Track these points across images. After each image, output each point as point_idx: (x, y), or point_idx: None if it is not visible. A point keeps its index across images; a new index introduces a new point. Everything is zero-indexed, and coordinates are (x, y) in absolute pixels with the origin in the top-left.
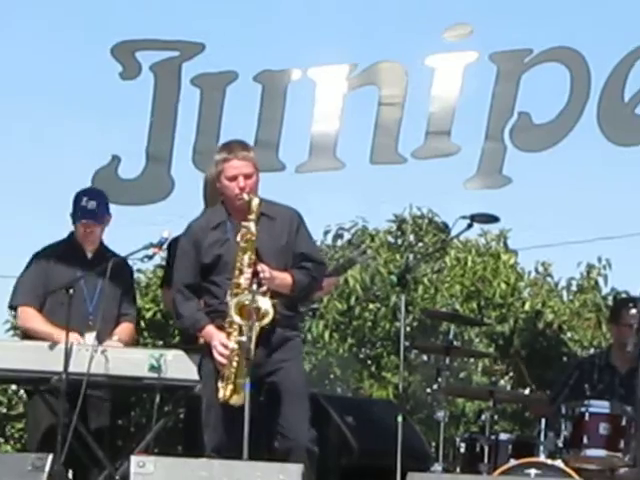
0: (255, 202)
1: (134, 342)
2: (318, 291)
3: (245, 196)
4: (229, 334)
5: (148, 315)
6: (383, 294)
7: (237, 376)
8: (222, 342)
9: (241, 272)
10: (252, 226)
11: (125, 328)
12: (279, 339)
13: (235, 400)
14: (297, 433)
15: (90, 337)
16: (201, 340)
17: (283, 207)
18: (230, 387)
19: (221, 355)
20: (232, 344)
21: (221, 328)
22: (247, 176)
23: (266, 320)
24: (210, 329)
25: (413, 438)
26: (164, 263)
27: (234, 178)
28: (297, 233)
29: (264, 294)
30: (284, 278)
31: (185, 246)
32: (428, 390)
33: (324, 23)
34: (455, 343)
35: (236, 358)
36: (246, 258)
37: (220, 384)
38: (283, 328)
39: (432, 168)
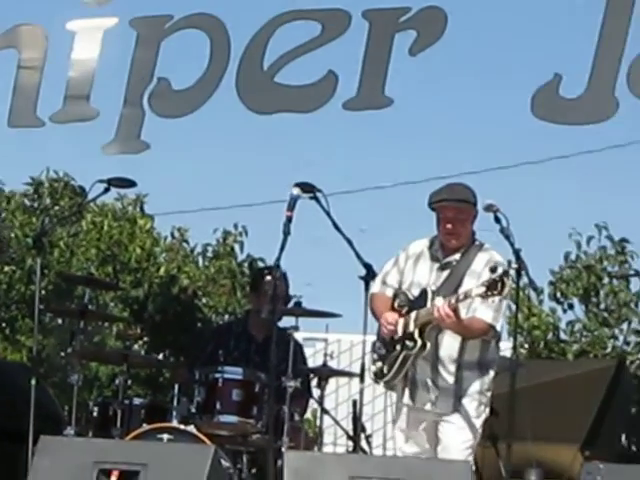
0: None
1: None
2: None
3: None
4: None
5: None
6: (19, 257)
7: None
8: None
9: None
10: None
11: None
12: None
13: None
14: None
15: None
16: None
17: None
18: None
19: None
20: None
21: None
22: None
23: None
24: None
25: (46, 401)
26: None
27: None
28: None
29: None
30: None
31: None
32: (62, 354)
33: None
34: (90, 307)
35: None
36: None
37: None
38: None
39: (70, 132)
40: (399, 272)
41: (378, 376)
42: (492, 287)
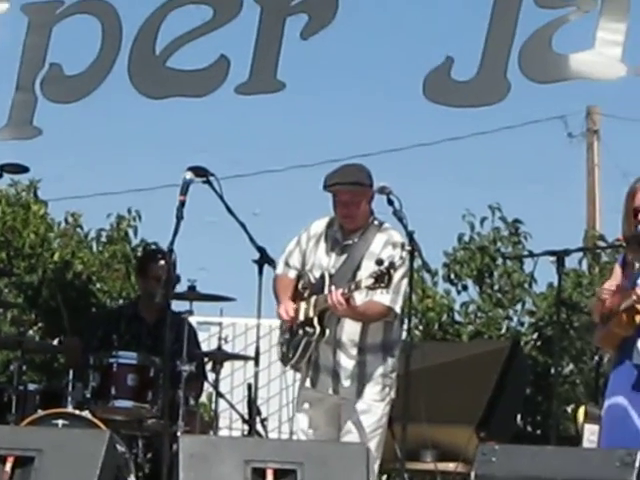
0: None
1: None
2: None
3: None
4: None
5: None
6: None
7: None
8: None
9: None
10: None
11: None
12: None
13: None
14: None
15: None
16: None
17: None
18: None
19: None
20: None
21: None
22: None
23: None
24: None
25: None
26: None
27: None
28: None
29: None
30: None
31: None
32: None
33: None
34: None
35: None
36: None
37: None
38: None
39: None
40: (301, 253)
41: (283, 359)
42: (379, 279)
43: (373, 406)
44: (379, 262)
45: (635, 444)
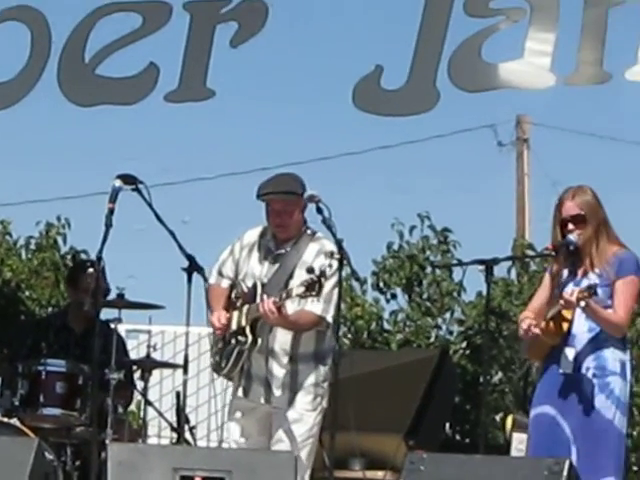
0: None
1: None
2: None
3: None
4: None
5: None
6: None
7: None
8: None
9: None
10: None
11: None
12: None
13: None
14: None
15: None
16: None
17: None
18: None
19: None
20: None
21: None
22: None
23: None
24: None
25: None
26: None
27: None
28: None
29: None
30: None
31: None
32: None
33: None
34: None
35: None
36: None
37: None
38: None
39: None
40: (234, 262)
41: (216, 369)
42: (310, 287)
43: (305, 415)
44: (310, 270)
45: (565, 452)
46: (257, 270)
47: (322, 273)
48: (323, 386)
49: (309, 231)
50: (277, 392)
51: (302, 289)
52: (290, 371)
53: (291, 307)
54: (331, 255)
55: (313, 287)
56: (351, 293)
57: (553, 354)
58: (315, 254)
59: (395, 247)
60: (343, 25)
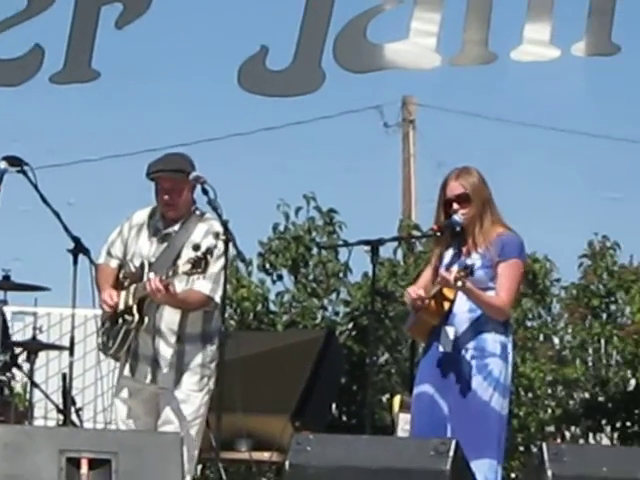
0: None
1: None
2: None
3: None
4: None
5: None
6: None
7: None
8: None
9: None
10: None
11: None
12: None
13: None
14: None
15: None
16: None
17: None
18: None
19: None
20: None
21: None
22: None
23: None
24: None
25: None
26: None
27: None
28: None
29: None
30: None
31: None
32: None
33: None
34: None
35: None
36: None
37: None
38: None
39: None
40: (123, 242)
41: (103, 349)
42: (196, 265)
43: (191, 396)
44: (196, 247)
45: (442, 431)
46: (145, 250)
47: (208, 250)
48: (210, 367)
49: (198, 212)
50: (164, 372)
51: (188, 266)
52: (177, 351)
53: (179, 286)
54: (218, 236)
55: (199, 264)
56: (237, 274)
57: (435, 333)
58: (203, 234)
59: (281, 228)
60: (229, 5)
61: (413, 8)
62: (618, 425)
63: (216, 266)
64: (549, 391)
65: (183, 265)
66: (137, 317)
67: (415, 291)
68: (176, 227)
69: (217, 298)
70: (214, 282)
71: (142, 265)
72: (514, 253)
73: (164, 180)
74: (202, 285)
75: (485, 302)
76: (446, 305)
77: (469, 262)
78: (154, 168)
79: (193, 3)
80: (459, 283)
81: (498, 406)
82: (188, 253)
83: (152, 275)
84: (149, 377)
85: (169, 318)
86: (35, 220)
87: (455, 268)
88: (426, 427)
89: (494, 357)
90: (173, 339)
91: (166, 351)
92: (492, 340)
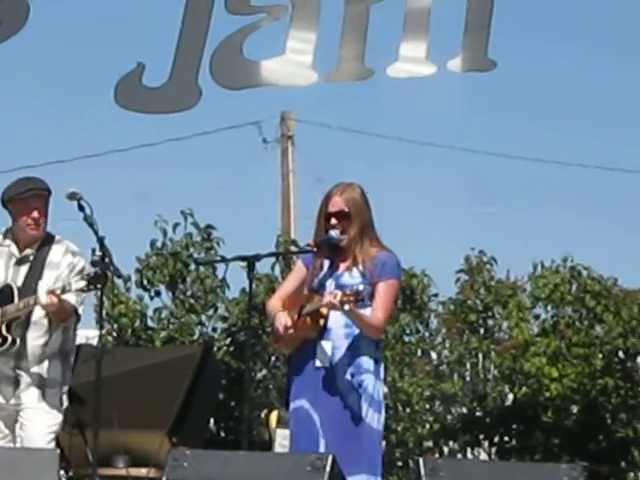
0: None
1: None
2: None
3: None
4: None
5: None
6: None
7: None
8: None
9: None
10: None
11: None
12: None
13: None
14: None
15: None
16: None
17: None
18: None
19: None
20: None
21: None
22: None
23: None
24: None
25: None
26: None
27: None
28: None
29: None
30: None
31: None
32: None
33: None
34: None
35: None
36: None
37: None
38: None
39: None
40: None
41: None
42: (94, 281)
43: (52, 412)
44: (94, 263)
45: (314, 446)
46: (2, 275)
47: (107, 266)
48: (67, 383)
49: (48, 234)
50: (26, 391)
51: (84, 283)
52: (39, 370)
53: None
54: (75, 254)
55: (98, 280)
56: (115, 291)
57: (308, 348)
58: (63, 253)
59: (159, 244)
60: (105, 22)
61: (289, 27)
62: (496, 440)
63: (80, 283)
64: (427, 406)
65: (77, 282)
66: (10, 339)
67: (284, 325)
68: (32, 250)
69: (80, 310)
70: (78, 296)
71: (7, 288)
72: (393, 273)
73: (38, 199)
74: (70, 297)
75: (364, 322)
76: (321, 321)
77: (356, 282)
78: (26, 187)
79: (69, 19)
80: (346, 307)
81: (374, 422)
82: (49, 274)
83: (42, 294)
84: (13, 398)
85: (34, 339)
86: None
87: (330, 284)
88: (303, 442)
89: (368, 374)
90: (36, 359)
91: (29, 371)
92: (367, 357)
